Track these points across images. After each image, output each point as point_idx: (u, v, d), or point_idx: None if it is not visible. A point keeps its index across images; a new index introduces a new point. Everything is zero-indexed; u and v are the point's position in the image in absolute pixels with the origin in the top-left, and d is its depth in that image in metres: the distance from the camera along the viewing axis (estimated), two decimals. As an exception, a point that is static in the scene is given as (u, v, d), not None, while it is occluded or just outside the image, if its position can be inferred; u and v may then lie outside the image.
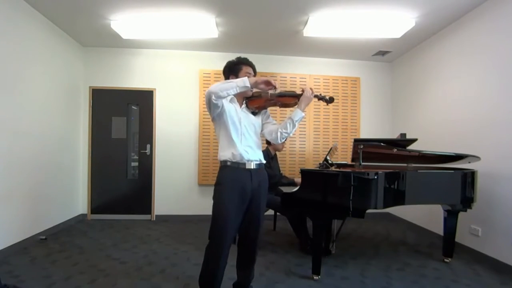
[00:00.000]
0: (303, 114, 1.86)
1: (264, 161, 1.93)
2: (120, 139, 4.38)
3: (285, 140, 3.31)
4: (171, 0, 2.99)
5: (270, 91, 1.80)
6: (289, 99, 1.91)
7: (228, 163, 1.80)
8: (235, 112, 1.83)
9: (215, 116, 1.80)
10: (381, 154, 2.89)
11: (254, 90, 1.84)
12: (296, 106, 1.88)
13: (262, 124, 1.98)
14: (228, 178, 1.79)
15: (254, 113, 1.92)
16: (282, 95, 1.89)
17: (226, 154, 1.81)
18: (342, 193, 2.30)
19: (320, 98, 1.96)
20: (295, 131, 1.90)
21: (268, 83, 1.72)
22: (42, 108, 3.39)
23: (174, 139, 4.39)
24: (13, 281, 2.24)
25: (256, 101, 1.88)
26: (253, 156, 1.83)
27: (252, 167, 1.82)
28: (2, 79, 2.76)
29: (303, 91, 1.86)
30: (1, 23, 2.75)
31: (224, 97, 1.69)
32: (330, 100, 1.96)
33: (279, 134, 1.88)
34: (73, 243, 3.21)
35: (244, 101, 1.90)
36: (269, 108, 2.02)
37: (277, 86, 1.75)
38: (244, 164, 1.80)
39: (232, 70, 1.90)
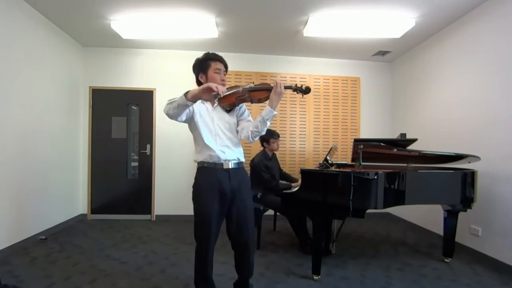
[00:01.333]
0: (274, 112, 1.70)
1: (243, 160, 1.88)
2: (120, 139, 4.37)
3: (278, 139, 3.31)
4: (171, 0, 3.00)
5: (240, 89, 1.69)
6: (261, 93, 1.74)
7: (205, 164, 1.77)
8: (207, 112, 1.79)
9: (184, 121, 1.74)
10: (381, 154, 2.89)
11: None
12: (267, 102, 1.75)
13: (237, 121, 1.88)
14: (205, 179, 1.77)
15: (227, 111, 1.84)
16: (253, 89, 1.74)
17: (203, 155, 1.77)
18: (342, 193, 2.30)
19: (295, 89, 1.79)
20: (266, 129, 1.76)
21: (208, 90, 1.52)
22: (42, 108, 3.39)
23: (174, 139, 4.39)
24: (13, 281, 2.24)
25: (227, 99, 1.75)
26: (231, 155, 1.79)
27: (230, 167, 1.78)
28: (1, 79, 2.75)
29: (274, 84, 1.71)
30: (1, 23, 2.75)
31: (175, 116, 1.62)
32: (306, 90, 1.78)
33: (250, 133, 1.77)
34: (73, 243, 3.21)
35: (216, 99, 1.76)
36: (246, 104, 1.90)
37: (220, 92, 1.54)
38: (222, 164, 1.76)
39: (200, 67, 1.82)
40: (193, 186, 1.83)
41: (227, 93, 1.73)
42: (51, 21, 3.51)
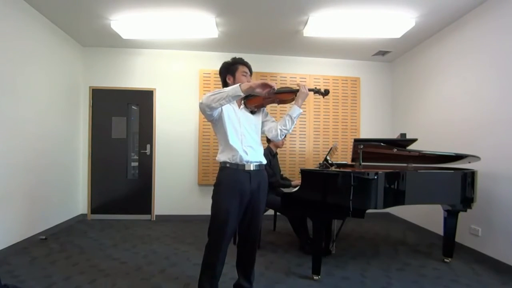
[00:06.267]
0: (301, 110, 1.88)
1: (264, 162, 1.93)
2: (120, 139, 4.37)
3: (285, 136, 3.35)
4: (171, 0, 3.00)
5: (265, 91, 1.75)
6: (287, 95, 1.92)
7: (228, 165, 1.81)
8: (234, 113, 1.84)
9: (212, 120, 1.82)
10: (381, 154, 2.89)
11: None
12: (293, 102, 1.91)
13: (262, 122, 1.99)
14: (227, 179, 1.81)
15: (253, 112, 1.93)
16: (279, 92, 1.88)
17: (226, 155, 1.82)
18: (342, 193, 2.30)
19: (316, 91, 2.00)
20: (294, 127, 1.94)
21: (265, 86, 1.63)
22: (42, 108, 3.38)
23: (174, 139, 4.39)
24: (13, 281, 2.24)
25: (254, 100, 1.88)
26: (253, 157, 1.84)
27: (251, 169, 1.83)
28: (1, 79, 2.75)
29: (298, 86, 1.89)
30: (1, 23, 2.75)
31: (217, 108, 1.67)
32: (326, 93, 1.99)
33: (279, 131, 1.91)
34: (73, 243, 3.21)
35: (242, 101, 1.91)
36: (268, 106, 2.04)
37: (275, 87, 1.67)
38: (244, 165, 1.80)
39: (228, 70, 1.92)
40: (215, 185, 1.87)
41: (254, 95, 1.84)
42: (51, 21, 3.51)
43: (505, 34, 2.71)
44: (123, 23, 3.44)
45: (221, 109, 1.77)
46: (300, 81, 4.50)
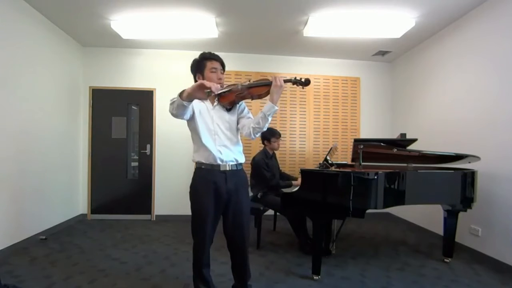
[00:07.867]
0: (275, 107, 1.67)
1: (241, 161, 1.86)
2: (120, 139, 4.37)
3: (280, 137, 3.32)
4: (171, 0, 2.99)
5: (239, 86, 1.68)
6: (260, 89, 1.71)
7: (203, 166, 1.79)
8: (207, 111, 1.79)
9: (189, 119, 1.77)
10: (381, 154, 2.89)
11: (226, 87, 1.74)
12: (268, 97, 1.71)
13: (238, 119, 1.86)
14: (202, 180, 1.79)
15: (228, 110, 1.82)
16: (252, 86, 1.72)
17: (200, 155, 1.79)
18: (342, 193, 2.30)
19: (294, 82, 1.74)
20: (267, 124, 1.73)
21: (202, 87, 1.47)
22: (42, 108, 3.38)
23: (174, 139, 4.39)
24: (13, 281, 2.24)
25: (227, 97, 1.75)
26: (228, 156, 1.78)
27: (227, 169, 1.78)
28: (2, 79, 2.75)
29: (272, 78, 1.67)
30: (1, 23, 2.75)
31: (181, 115, 1.63)
32: (306, 82, 1.72)
33: (251, 129, 1.74)
34: (73, 243, 3.21)
35: (216, 98, 1.79)
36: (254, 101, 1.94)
37: (214, 89, 1.47)
38: (219, 165, 1.76)
39: (197, 68, 1.83)
40: (190, 186, 1.85)
41: (225, 90, 1.73)
42: (51, 21, 3.51)
43: (505, 34, 2.71)
44: (123, 23, 3.44)
45: (192, 107, 1.68)
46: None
